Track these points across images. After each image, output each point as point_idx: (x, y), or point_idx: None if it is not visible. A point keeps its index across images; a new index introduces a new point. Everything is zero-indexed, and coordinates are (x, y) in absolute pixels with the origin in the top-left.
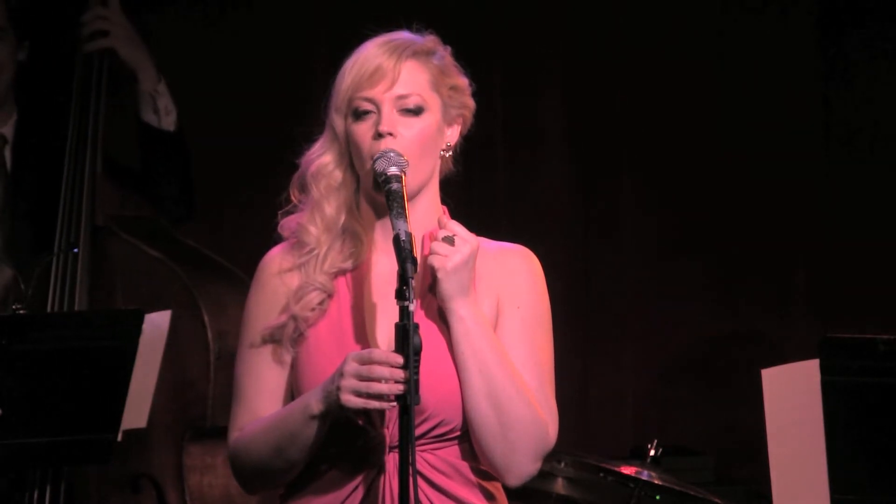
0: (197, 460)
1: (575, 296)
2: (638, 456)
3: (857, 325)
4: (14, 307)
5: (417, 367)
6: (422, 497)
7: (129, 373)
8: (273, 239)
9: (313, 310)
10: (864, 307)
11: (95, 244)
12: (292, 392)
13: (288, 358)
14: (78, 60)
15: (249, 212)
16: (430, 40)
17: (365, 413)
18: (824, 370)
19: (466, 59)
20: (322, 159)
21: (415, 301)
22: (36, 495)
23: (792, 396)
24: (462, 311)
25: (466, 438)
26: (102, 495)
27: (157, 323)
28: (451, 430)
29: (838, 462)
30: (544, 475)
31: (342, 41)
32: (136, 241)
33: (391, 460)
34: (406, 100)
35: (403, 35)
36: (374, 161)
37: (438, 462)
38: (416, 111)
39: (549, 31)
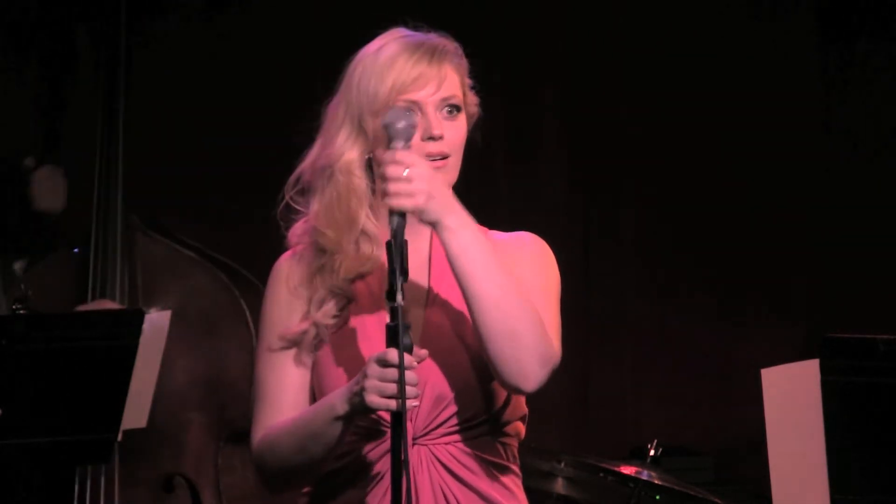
0: (234, 460)
1: (575, 296)
2: (638, 456)
3: (858, 324)
4: (14, 307)
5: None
6: (445, 490)
7: (130, 373)
8: (283, 245)
9: (335, 317)
10: (864, 307)
11: (127, 243)
12: (314, 392)
13: (309, 361)
14: (104, 57)
15: (247, 212)
16: (452, 41)
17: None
18: (824, 370)
19: (466, 59)
20: (349, 155)
21: (402, 295)
22: (71, 494)
23: (792, 396)
24: (453, 223)
25: (488, 430)
26: (133, 495)
27: (156, 323)
28: (472, 418)
29: (838, 462)
30: (544, 475)
31: (343, 41)
32: (167, 241)
33: (414, 453)
34: (448, 101)
35: (433, 36)
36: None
37: (461, 455)
38: (458, 112)
39: (549, 32)
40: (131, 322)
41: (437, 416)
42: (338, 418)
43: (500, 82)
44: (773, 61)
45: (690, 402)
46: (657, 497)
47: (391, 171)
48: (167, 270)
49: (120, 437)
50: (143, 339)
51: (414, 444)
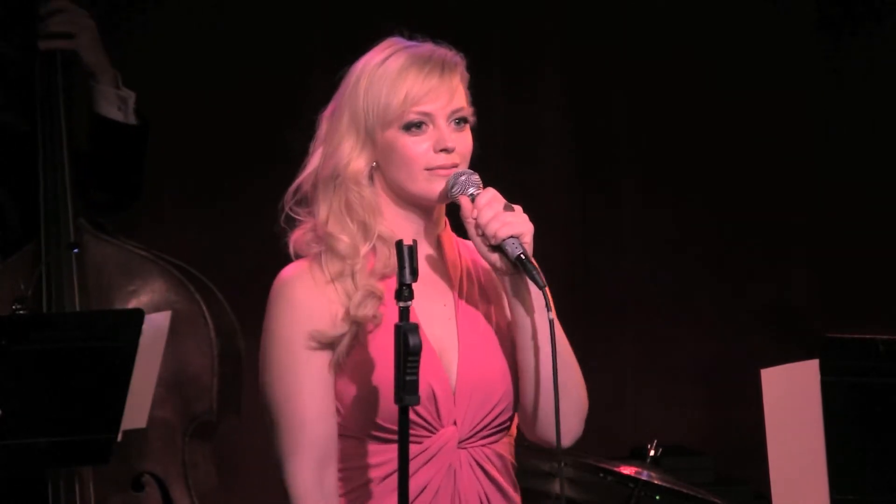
0: (197, 456)
1: (574, 295)
2: (638, 456)
3: (858, 324)
4: (14, 307)
5: (416, 367)
6: (479, 490)
7: (130, 373)
8: (287, 255)
9: (374, 316)
10: (865, 306)
11: (80, 247)
12: (340, 400)
13: (332, 372)
14: (40, 60)
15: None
16: (458, 53)
17: (435, 409)
18: (824, 370)
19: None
20: (356, 164)
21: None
22: (45, 496)
23: (791, 396)
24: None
25: (508, 430)
26: (103, 496)
27: (156, 323)
28: (508, 420)
29: (838, 462)
30: (544, 475)
31: (339, 43)
32: (117, 242)
33: (459, 456)
34: (457, 114)
35: (440, 49)
36: (452, 188)
37: (493, 456)
38: (465, 123)
39: (549, 27)
40: (131, 322)
41: (484, 417)
42: None
43: (499, 80)
44: (774, 51)
45: (690, 403)
46: (657, 497)
47: (493, 204)
48: (120, 271)
49: (120, 437)
50: (143, 340)
51: (459, 448)
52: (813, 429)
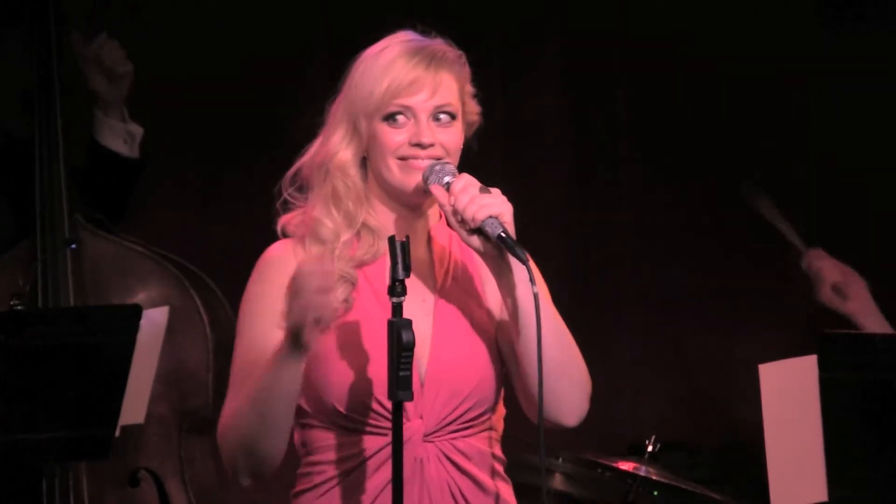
0: (195, 451)
1: (574, 291)
2: (636, 452)
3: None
4: (12, 303)
5: (409, 363)
6: (451, 484)
7: (127, 368)
8: (279, 233)
9: (345, 301)
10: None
11: (77, 243)
12: (308, 386)
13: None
14: (36, 56)
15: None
16: (455, 49)
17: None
18: (822, 366)
19: (464, 50)
20: (343, 155)
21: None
22: (40, 491)
23: (790, 392)
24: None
25: (489, 424)
26: (99, 491)
27: (154, 319)
28: (483, 414)
29: (836, 458)
30: (539, 469)
31: (340, 38)
32: (114, 238)
33: (425, 449)
34: (442, 109)
35: (435, 42)
36: (426, 179)
37: (469, 449)
38: (451, 120)
39: (549, 22)
40: (129, 318)
41: (452, 412)
42: (285, 357)
43: (499, 71)
44: (774, 36)
45: (688, 398)
46: (655, 493)
47: (469, 189)
48: (116, 267)
49: (118, 433)
50: (140, 335)
51: (424, 441)
52: (811, 424)
